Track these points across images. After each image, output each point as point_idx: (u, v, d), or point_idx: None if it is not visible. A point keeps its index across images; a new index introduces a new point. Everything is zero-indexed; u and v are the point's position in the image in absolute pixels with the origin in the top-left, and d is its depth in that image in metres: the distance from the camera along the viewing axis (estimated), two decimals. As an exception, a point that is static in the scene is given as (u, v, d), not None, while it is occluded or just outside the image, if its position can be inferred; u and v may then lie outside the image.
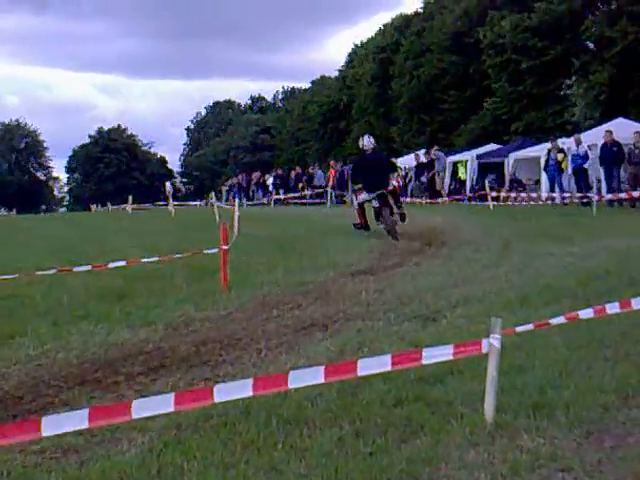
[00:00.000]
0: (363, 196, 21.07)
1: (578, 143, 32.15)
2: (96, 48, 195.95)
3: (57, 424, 4.47)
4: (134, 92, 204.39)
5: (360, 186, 21.17)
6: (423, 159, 43.34)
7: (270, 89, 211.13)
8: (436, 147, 44.58)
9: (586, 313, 6.56)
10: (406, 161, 47.71)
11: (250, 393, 5.02)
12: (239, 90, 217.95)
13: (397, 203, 21.47)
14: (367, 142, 21.73)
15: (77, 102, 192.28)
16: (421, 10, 72.25)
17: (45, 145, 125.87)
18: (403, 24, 72.60)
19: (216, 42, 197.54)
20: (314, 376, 5.28)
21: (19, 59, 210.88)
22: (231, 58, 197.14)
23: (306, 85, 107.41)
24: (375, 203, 20.79)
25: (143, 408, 4.73)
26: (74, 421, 4.51)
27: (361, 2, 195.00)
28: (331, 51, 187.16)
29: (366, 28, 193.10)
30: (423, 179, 41.66)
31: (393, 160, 26.50)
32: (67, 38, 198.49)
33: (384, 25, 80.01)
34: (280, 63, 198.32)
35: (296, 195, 49.89)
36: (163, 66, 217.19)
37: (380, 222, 20.87)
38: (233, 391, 5.02)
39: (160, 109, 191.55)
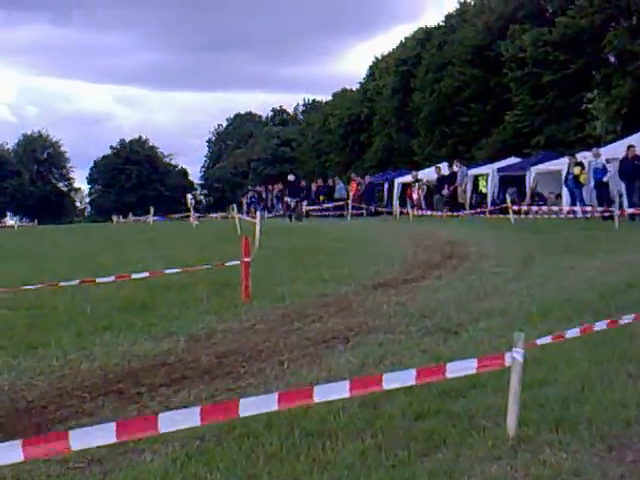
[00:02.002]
0: (288, 199, 42.28)
1: (596, 156, 32.05)
2: (114, 60, 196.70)
3: (85, 438, 4.49)
4: (152, 104, 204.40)
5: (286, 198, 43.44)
6: (445, 172, 43.31)
7: (287, 101, 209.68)
8: (457, 160, 44.56)
9: (600, 325, 6.58)
10: (427, 174, 47.66)
11: (275, 407, 5.02)
12: (257, 102, 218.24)
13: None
14: (292, 177, 45.58)
15: (96, 113, 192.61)
16: (442, 23, 72.26)
17: (67, 156, 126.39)
18: (424, 37, 72.55)
19: (234, 54, 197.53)
20: (339, 390, 5.29)
21: (38, 70, 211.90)
22: (249, 70, 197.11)
23: (327, 97, 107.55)
24: (293, 203, 42.36)
25: (170, 423, 4.74)
26: (102, 435, 4.53)
27: (379, 15, 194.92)
28: (350, 64, 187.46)
29: (385, 40, 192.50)
30: (445, 192, 41.60)
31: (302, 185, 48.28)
32: (86, 50, 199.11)
33: (405, 38, 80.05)
34: (298, 75, 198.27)
35: (317, 207, 49.88)
36: (181, 78, 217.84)
37: (293, 213, 40.59)
38: (258, 405, 5.02)
39: (178, 121, 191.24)
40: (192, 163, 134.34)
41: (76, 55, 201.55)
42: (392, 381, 5.49)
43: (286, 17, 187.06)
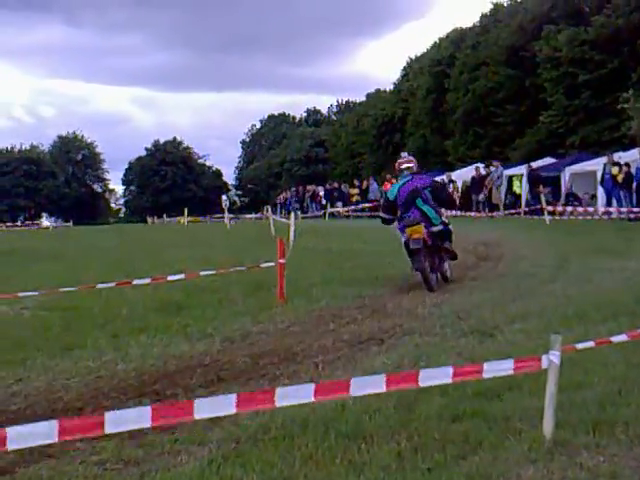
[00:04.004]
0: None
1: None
2: (128, 62, 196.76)
3: (120, 421, 4.50)
4: (168, 105, 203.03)
5: None
6: (483, 172, 43.24)
7: (302, 102, 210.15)
8: (496, 160, 44.58)
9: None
10: (461, 174, 47.52)
11: (312, 399, 5.01)
12: (270, 104, 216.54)
13: None
14: None
15: (112, 115, 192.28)
16: (476, 24, 72.02)
17: (102, 157, 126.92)
18: (458, 38, 72.35)
19: (247, 55, 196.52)
20: (376, 385, 5.27)
21: (52, 72, 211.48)
22: (262, 71, 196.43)
23: (361, 98, 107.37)
24: None
25: (205, 409, 4.74)
26: (137, 419, 4.54)
27: (387, 14, 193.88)
28: (361, 63, 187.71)
29: (394, 39, 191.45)
30: (481, 196, 41.58)
31: None
32: (101, 51, 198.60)
33: (439, 39, 79.86)
34: (307, 75, 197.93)
35: (351, 208, 49.88)
36: (196, 79, 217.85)
37: None
38: (295, 395, 5.01)
39: (195, 122, 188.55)
40: (216, 163, 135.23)
41: (90, 57, 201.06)
42: (429, 378, 5.47)
43: (293, 18, 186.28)
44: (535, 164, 44.04)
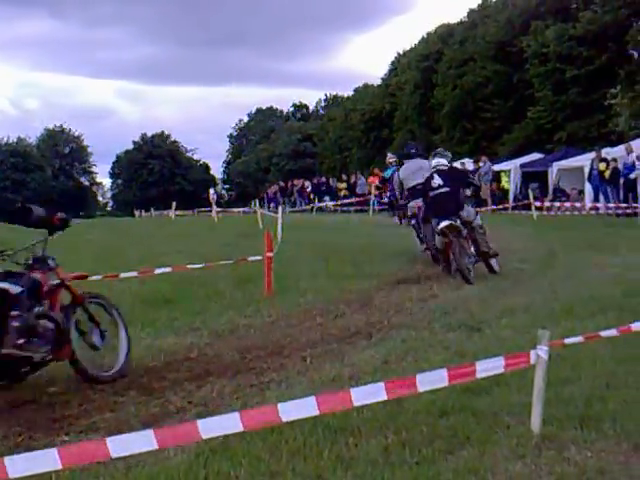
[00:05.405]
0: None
1: (629, 152, 31.74)
2: (114, 55, 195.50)
3: (125, 445, 4.47)
4: (153, 98, 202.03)
5: None
6: (470, 167, 43.21)
7: (285, 96, 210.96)
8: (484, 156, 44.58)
9: (638, 326, 6.51)
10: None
11: (316, 412, 4.97)
12: (257, 98, 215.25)
13: None
14: None
15: (98, 108, 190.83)
16: (464, 19, 72.09)
17: (89, 150, 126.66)
18: (446, 33, 72.37)
19: (232, 49, 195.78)
20: (376, 394, 5.21)
21: (37, 65, 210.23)
22: (247, 65, 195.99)
23: (349, 93, 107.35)
24: None
25: (210, 429, 4.68)
26: (142, 442, 4.50)
27: (373, 8, 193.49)
28: (346, 58, 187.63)
29: (380, 33, 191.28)
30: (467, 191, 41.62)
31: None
32: (85, 44, 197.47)
33: (427, 33, 79.86)
34: (292, 70, 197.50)
35: (339, 202, 49.90)
36: (181, 73, 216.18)
37: None
38: (299, 410, 4.96)
39: (180, 115, 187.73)
40: (203, 157, 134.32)
41: (75, 50, 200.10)
42: (426, 383, 5.41)
43: (280, 12, 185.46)
44: (522, 160, 44.21)
